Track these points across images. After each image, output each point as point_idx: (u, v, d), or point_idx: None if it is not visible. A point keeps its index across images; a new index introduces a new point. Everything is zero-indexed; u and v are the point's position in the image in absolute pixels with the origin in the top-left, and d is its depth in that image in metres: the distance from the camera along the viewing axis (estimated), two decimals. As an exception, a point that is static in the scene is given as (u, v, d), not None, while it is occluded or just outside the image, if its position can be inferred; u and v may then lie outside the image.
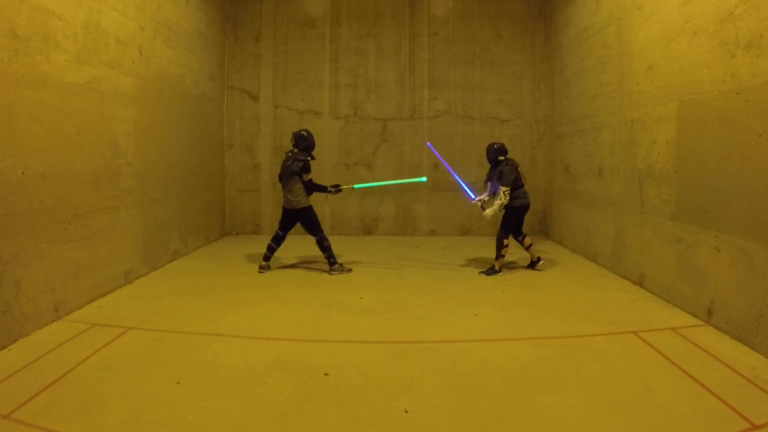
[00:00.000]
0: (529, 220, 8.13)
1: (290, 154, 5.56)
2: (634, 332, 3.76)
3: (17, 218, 3.53)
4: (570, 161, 7.12)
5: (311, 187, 5.55)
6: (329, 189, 5.64)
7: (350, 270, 5.71)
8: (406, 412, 2.66)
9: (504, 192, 5.45)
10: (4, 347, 3.34)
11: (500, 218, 5.71)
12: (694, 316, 4.06)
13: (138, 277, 5.23)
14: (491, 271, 5.58)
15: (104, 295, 4.58)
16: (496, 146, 5.68)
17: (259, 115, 8.19)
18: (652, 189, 4.80)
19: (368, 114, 8.19)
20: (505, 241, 5.54)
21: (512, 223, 5.62)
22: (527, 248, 5.81)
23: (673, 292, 4.40)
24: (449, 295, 4.79)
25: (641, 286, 4.97)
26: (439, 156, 6.15)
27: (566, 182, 7.26)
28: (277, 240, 5.73)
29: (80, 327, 3.79)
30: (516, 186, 5.51)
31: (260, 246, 6.78)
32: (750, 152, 3.43)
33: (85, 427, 2.49)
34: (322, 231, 5.64)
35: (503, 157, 5.60)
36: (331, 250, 5.63)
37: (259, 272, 5.67)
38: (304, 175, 5.47)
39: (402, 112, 8.16)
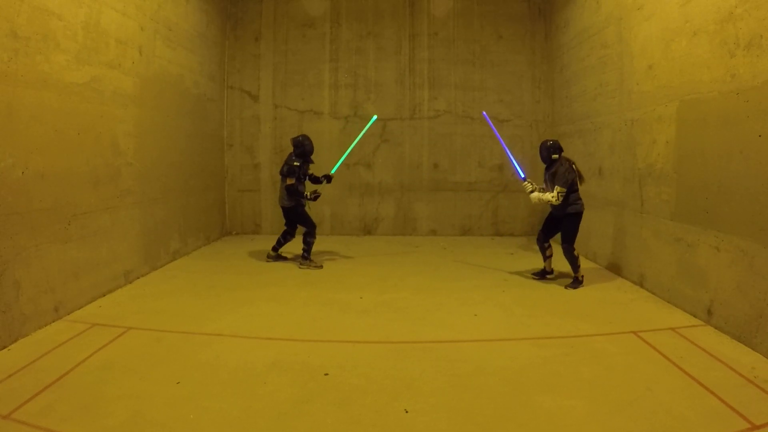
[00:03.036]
0: (529, 220, 8.22)
1: (287, 157, 5.95)
2: (634, 332, 3.76)
3: (17, 218, 3.53)
4: (570, 161, 7.10)
5: (291, 192, 5.80)
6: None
7: (320, 267, 5.87)
8: (406, 412, 2.66)
9: (558, 192, 4.86)
10: (4, 347, 3.34)
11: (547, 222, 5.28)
12: (694, 316, 4.06)
13: (138, 277, 5.23)
14: (576, 283, 5.04)
15: (104, 295, 4.58)
16: (549, 143, 5.01)
17: (259, 115, 8.19)
18: (652, 189, 4.80)
19: (368, 114, 8.14)
20: (575, 252, 5.00)
21: (572, 231, 5.00)
22: (547, 258, 5.36)
23: (673, 292, 4.40)
24: (449, 295, 4.79)
25: (641, 286, 4.97)
26: (494, 129, 5.95)
27: (566, 182, 7.25)
28: (285, 235, 6.15)
29: (80, 327, 3.79)
30: (572, 189, 4.90)
31: (260, 246, 6.80)
32: (750, 152, 3.43)
33: (85, 427, 2.49)
34: (313, 227, 5.94)
35: (557, 156, 4.98)
36: (311, 246, 5.90)
37: (267, 261, 6.16)
38: (287, 179, 5.75)
39: (402, 112, 8.16)
